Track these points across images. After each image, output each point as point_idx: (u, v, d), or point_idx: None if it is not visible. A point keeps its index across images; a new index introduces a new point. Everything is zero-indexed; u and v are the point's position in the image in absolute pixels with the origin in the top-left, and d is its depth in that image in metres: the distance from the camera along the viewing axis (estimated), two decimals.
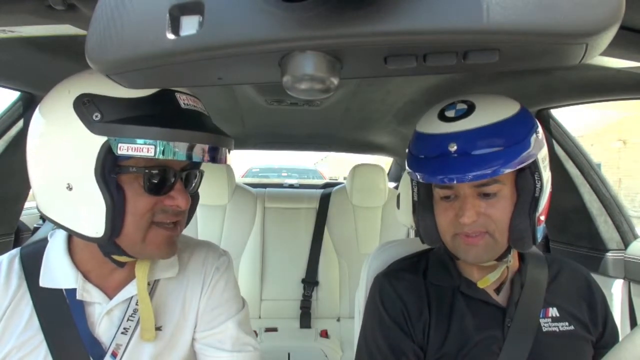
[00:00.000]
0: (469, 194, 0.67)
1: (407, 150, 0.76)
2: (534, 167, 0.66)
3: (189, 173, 0.65)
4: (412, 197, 0.78)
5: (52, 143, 0.57)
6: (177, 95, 0.59)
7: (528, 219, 0.67)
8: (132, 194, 0.58)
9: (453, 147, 0.64)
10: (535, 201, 0.67)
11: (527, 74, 0.93)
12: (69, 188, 0.56)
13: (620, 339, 0.72)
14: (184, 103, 0.59)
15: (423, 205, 0.75)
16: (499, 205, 0.67)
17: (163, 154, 0.53)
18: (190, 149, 0.55)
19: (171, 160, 0.59)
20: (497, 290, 0.75)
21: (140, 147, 0.53)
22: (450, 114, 0.68)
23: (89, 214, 0.56)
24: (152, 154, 0.53)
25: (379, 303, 0.78)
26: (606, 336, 0.76)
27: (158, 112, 0.56)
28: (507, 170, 0.62)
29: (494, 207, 0.67)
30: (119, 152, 0.53)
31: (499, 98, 0.70)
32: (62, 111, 0.56)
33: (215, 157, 0.59)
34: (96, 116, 0.54)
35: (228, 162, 0.63)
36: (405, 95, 1.28)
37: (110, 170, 0.55)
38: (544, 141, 0.69)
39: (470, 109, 0.66)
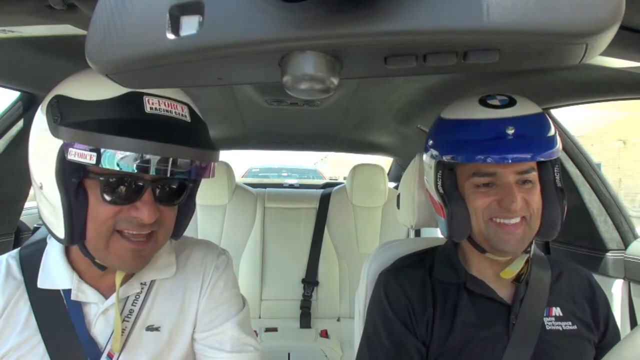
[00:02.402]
0: (512, 181, 0.69)
1: (430, 141, 0.77)
2: (555, 159, 0.72)
3: (164, 184, 0.60)
4: (437, 189, 0.76)
5: (31, 142, 0.59)
6: (146, 98, 0.55)
7: (559, 206, 0.71)
8: (94, 200, 0.56)
9: (511, 130, 0.67)
10: (561, 190, 0.71)
11: (527, 74, 0.93)
12: (41, 187, 0.57)
13: (620, 338, 0.73)
14: (150, 107, 0.55)
15: (453, 196, 0.74)
16: (535, 192, 0.70)
17: (107, 163, 0.50)
18: (135, 159, 0.51)
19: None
20: (517, 279, 0.75)
21: (84, 154, 0.51)
22: (494, 102, 0.71)
23: (54, 216, 0.56)
24: (94, 162, 0.51)
25: (383, 298, 0.79)
26: (608, 336, 0.77)
27: (112, 117, 0.53)
28: (555, 155, 0.68)
29: (531, 193, 0.70)
30: (68, 157, 0.52)
31: (524, 97, 0.74)
32: (41, 110, 0.57)
33: (174, 170, 0.53)
34: (56, 118, 0.54)
35: (209, 175, 0.58)
36: (405, 95, 1.27)
37: (72, 174, 0.54)
38: None
39: (512, 100, 0.71)
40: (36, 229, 1.44)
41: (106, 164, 0.51)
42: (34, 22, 0.58)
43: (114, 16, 0.33)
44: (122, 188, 0.56)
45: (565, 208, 0.72)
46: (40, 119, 0.57)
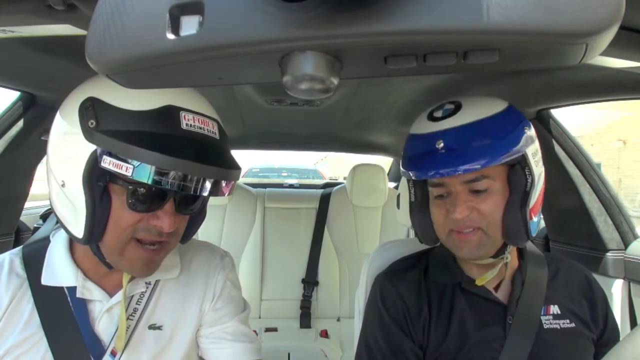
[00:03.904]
0: (460, 191, 0.69)
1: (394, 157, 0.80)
2: (524, 162, 0.68)
3: (186, 195, 0.61)
4: (410, 197, 0.80)
5: (56, 139, 0.58)
6: (182, 114, 0.56)
7: (519, 213, 0.68)
8: (118, 206, 0.57)
9: (440, 144, 0.67)
10: (526, 196, 0.68)
11: (527, 74, 0.93)
12: (62, 185, 0.57)
13: (620, 338, 0.73)
14: (186, 124, 0.56)
15: (419, 206, 0.77)
16: (490, 201, 0.68)
17: (142, 177, 0.52)
18: (167, 176, 0.52)
19: None
20: (496, 289, 0.76)
21: (120, 165, 0.52)
22: (438, 114, 0.71)
23: (74, 214, 0.57)
24: (130, 174, 0.52)
25: (379, 302, 0.79)
26: (607, 334, 0.76)
27: (150, 130, 0.54)
28: (492, 164, 0.64)
29: (484, 202, 0.68)
30: (102, 165, 0.53)
31: (487, 98, 0.73)
32: (71, 110, 0.57)
33: (202, 189, 0.55)
34: (92, 123, 0.54)
35: (225, 194, 0.59)
36: (406, 95, 1.27)
37: (99, 178, 0.55)
38: (535, 137, 0.70)
39: (457, 108, 0.70)
40: (36, 229, 1.44)
41: (142, 177, 0.52)
42: (34, 22, 0.58)
43: (114, 16, 0.33)
44: (148, 198, 0.57)
45: (530, 215, 0.69)
46: (72, 120, 0.56)
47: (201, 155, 0.54)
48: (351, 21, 0.28)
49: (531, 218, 0.69)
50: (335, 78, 0.33)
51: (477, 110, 0.69)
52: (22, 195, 1.16)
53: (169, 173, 0.53)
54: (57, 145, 0.58)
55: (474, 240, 0.69)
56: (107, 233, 0.57)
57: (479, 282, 0.74)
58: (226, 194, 0.59)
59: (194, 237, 0.80)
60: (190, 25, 0.31)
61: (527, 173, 0.68)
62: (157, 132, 0.54)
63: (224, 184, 0.58)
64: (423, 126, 0.72)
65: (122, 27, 0.33)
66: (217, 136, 0.60)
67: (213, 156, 0.56)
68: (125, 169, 0.52)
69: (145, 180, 0.52)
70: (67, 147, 0.56)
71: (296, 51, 0.32)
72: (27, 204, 1.20)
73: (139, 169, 0.52)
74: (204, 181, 0.55)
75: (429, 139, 0.69)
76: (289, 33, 0.29)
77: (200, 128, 0.57)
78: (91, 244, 0.58)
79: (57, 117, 0.60)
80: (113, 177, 0.56)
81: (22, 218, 1.23)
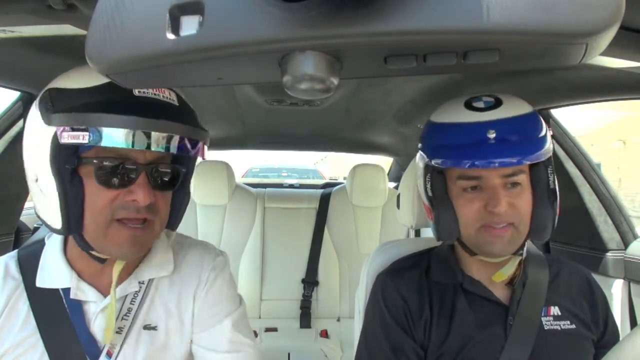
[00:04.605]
0: (498, 184, 0.68)
1: (419, 144, 0.77)
2: (548, 160, 0.69)
3: (156, 167, 0.61)
4: (426, 192, 0.76)
5: (26, 137, 0.60)
6: None
7: (550, 208, 0.70)
8: (90, 188, 0.57)
9: (492, 134, 0.66)
10: (553, 192, 0.70)
11: (527, 74, 0.93)
12: (36, 180, 0.58)
13: (620, 339, 0.73)
14: (138, 91, 0.57)
15: (440, 200, 0.74)
16: (524, 196, 0.69)
17: (100, 141, 0.52)
18: (128, 135, 0.53)
19: (133, 151, 0.57)
20: (511, 283, 0.75)
21: (76, 135, 0.53)
22: (479, 104, 0.70)
23: (50, 206, 0.57)
24: (87, 141, 0.52)
25: (381, 302, 0.78)
26: (607, 335, 0.76)
27: (104, 99, 0.55)
28: (540, 158, 0.66)
29: (519, 197, 0.69)
30: (61, 141, 0.54)
31: (514, 97, 0.73)
32: (35, 107, 0.59)
33: (168, 146, 0.56)
34: (48, 107, 0.56)
35: (202, 156, 0.60)
36: (406, 95, 1.28)
37: (66, 160, 0.56)
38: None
39: (498, 101, 0.69)
40: (36, 229, 1.44)
41: (101, 141, 0.52)
42: (34, 22, 0.58)
43: (114, 16, 0.33)
44: (117, 172, 0.57)
45: (558, 210, 0.71)
46: (34, 113, 0.59)
47: (157, 115, 0.55)
48: (351, 21, 0.28)
49: (557, 214, 0.71)
50: (335, 78, 0.33)
51: (515, 106, 0.70)
52: (22, 195, 1.16)
53: (129, 133, 0.53)
54: (26, 143, 0.60)
55: (506, 235, 0.68)
56: (85, 219, 0.58)
57: (495, 279, 0.73)
58: (196, 154, 0.60)
59: (193, 237, 0.80)
60: (190, 25, 0.31)
61: (550, 171, 0.70)
62: (109, 100, 0.55)
63: (189, 144, 0.58)
64: (462, 115, 0.70)
65: (122, 27, 0.33)
66: (175, 102, 0.61)
67: (172, 116, 0.56)
68: (82, 137, 0.52)
69: (108, 145, 0.52)
70: (33, 138, 0.58)
71: (296, 51, 0.32)
72: (27, 204, 1.20)
73: (97, 135, 0.52)
74: (168, 141, 0.55)
75: (477, 128, 0.67)
76: (289, 33, 0.29)
77: (155, 94, 0.58)
78: (72, 232, 0.58)
79: (27, 119, 0.61)
80: (80, 159, 0.57)
81: (22, 218, 1.23)
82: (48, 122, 0.55)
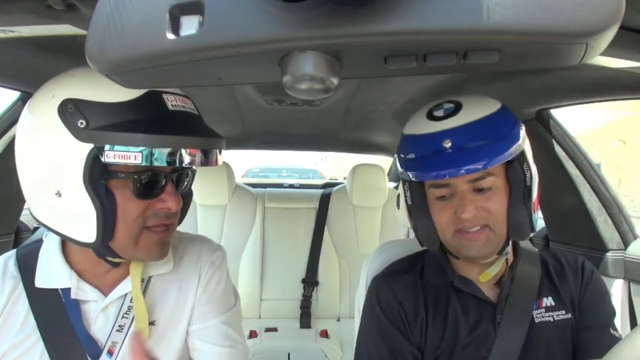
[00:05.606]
0: (465, 190, 0.68)
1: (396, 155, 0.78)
2: (522, 157, 0.69)
3: (180, 174, 0.64)
4: (405, 200, 0.78)
5: (39, 148, 0.57)
6: (165, 96, 0.58)
7: (524, 207, 0.69)
8: (123, 200, 0.57)
9: (448, 143, 0.66)
10: (529, 190, 0.69)
11: (527, 74, 0.93)
12: (58, 195, 0.56)
13: (605, 324, 0.73)
14: (171, 105, 0.58)
15: (418, 208, 0.75)
16: (495, 198, 0.69)
17: (150, 161, 0.53)
18: (177, 154, 0.55)
19: None
20: (498, 284, 0.76)
21: (126, 155, 0.53)
22: (438, 113, 0.70)
23: (80, 221, 0.56)
24: (140, 162, 0.52)
25: (376, 305, 0.79)
26: (588, 317, 0.74)
27: (144, 117, 0.55)
28: (502, 161, 0.65)
29: (490, 200, 0.68)
30: (106, 160, 0.53)
31: (481, 97, 0.73)
32: (48, 116, 0.55)
33: (205, 160, 0.58)
34: (81, 123, 0.54)
35: (219, 163, 0.62)
36: (405, 95, 1.27)
37: (99, 177, 0.55)
38: (526, 135, 0.72)
39: (458, 107, 0.69)
40: (36, 229, 1.44)
41: (151, 161, 0.53)
42: (34, 22, 0.58)
43: (114, 16, 0.33)
44: (151, 183, 0.59)
45: (534, 208, 0.70)
46: (50, 124, 0.55)
47: (194, 130, 0.58)
48: (351, 21, 0.28)
49: (534, 211, 0.70)
50: (335, 78, 0.33)
51: (477, 108, 0.69)
52: (22, 195, 1.16)
53: (175, 152, 0.54)
54: (43, 156, 0.56)
55: (481, 238, 0.69)
56: (117, 230, 0.58)
57: (482, 279, 0.74)
58: (220, 163, 0.62)
59: (192, 233, 0.80)
60: (190, 25, 0.31)
61: (525, 168, 0.69)
62: (151, 117, 0.55)
63: (212, 155, 0.60)
64: (423, 126, 0.71)
65: (122, 27, 0.33)
66: (196, 112, 0.62)
67: (201, 129, 0.60)
68: (133, 157, 0.53)
69: (157, 164, 0.53)
70: (58, 155, 0.55)
71: (296, 51, 0.32)
72: (27, 204, 1.20)
73: (148, 155, 0.53)
74: (202, 154, 0.58)
75: (434, 139, 0.68)
76: (289, 33, 0.29)
77: (183, 107, 0.60)
78: (104, 245, 0.58)
79: (26, 122, 0.58)
80: (111, 173, 0.56)
81: (22, 218, 1.23)
82: (84, 139, 0.53)
